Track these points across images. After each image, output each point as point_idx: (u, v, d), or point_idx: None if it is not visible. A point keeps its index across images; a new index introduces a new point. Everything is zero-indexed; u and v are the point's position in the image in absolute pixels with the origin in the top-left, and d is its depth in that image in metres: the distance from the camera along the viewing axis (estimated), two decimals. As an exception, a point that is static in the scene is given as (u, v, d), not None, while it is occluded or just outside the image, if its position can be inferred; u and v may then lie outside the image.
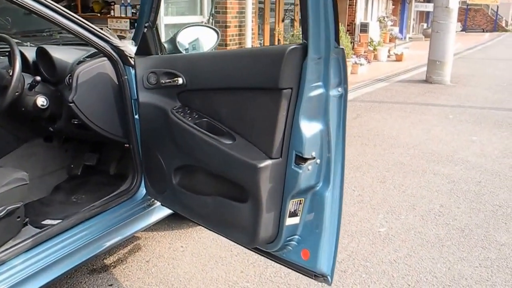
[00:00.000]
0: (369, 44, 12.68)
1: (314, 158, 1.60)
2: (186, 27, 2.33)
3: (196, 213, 2.01)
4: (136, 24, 2.08)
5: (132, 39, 2.18)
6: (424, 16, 22.33)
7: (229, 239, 1.95)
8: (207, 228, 2.03)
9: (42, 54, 2.39)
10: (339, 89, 1.55)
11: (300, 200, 1.70)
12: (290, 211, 1.71)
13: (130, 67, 2.30)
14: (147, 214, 2.50)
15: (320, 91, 1.56)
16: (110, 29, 7.39)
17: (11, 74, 2.16)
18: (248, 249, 1.98)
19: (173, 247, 2.81)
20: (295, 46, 1.52)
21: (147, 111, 2.06)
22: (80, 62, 2.35)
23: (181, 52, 2.27)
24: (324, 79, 1.54)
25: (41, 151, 2.82)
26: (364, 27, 12.84)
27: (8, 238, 2.08)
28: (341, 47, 1.50)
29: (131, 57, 2.28)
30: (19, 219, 2.09)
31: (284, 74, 1.52)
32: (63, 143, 2.95)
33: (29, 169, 2.73)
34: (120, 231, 2.35)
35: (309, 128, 1.58)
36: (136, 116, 2.33)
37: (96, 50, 2.44)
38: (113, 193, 2.54)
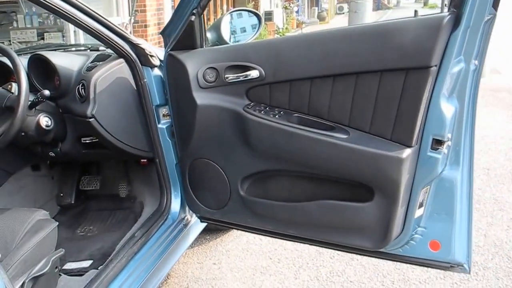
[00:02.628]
0: (276, 31, 12.78)
1: (448, 140, 1.45)
2: (227, 14, 2.02)
3: (286, 222, 1.74)
4: (175, 12, 1.74)
5: (161, 33, 1.83)
6: (313, 1, 23.14)
7: (339, 247, 1.71)
8: (300, 238, 1.77)
9: (36, 63, 1.94)
10: (476, 62, 1.42)
11: (427, 188, 1.54)
12: (419, 202, 1.54)
13: (150, 68, 1.95)
14: (186, 234, 2.17)
15: (461, 66, 1.41)
16: (14, 42, 6.60)
17: (12, 91, 1.72)
18: (342, 250, 1.76)
19: (206, 266, 2.50)
20: (446, 15, 1.34)
21: (206, 114, 1.74)
22: (90, 68, 1.94)
23: (226, 43, 1.96)
24: (467, 52, 1.39)
25: (29, 182, 2.34)
26: (269, 15, 12.91)
27: None
28: (496, 13, 1.36)
29: (151, 56, 1.93)
30: (57, 269, 1.68)
31: (436, 49, 1.34)
32: (50, 168, 2.48)
33: (20, 206, 2.26)
34: (170, 258, 2.01)
35: (447, 108, 1.42)
36: (159, 125, 2.00)
37: (99, 53, 2.06)
38: (140, 218, 2.18)
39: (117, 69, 1.93)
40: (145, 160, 2.23)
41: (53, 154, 2.09)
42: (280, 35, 12.80)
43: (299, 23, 14.99)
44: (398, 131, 1.44)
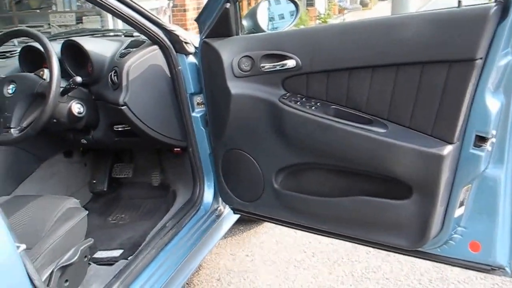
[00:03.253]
0: (317, 17, 12.46)
1: (493, 137, 1.34)
2: (263, 1, 1.93)
3: (320, 218, 1.66)
4: (209, 1, 1.66)
5: (196, 19, 1.75)
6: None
7: (374, 244, 1.63)
8: (334, 234, 1.69)
9: (69, 49, 1.90)
10: None
11: (468, 187, 1.43)
12: (459, 201, 1.44)
13: (184, 56, 1.89)
14: (219, 225, 2.12)
15: (509, 58, 1.30)
16: (53, 25, 6.68)
17: (44, 77, 1.68)
18: (375, 247, 1.67)
19: (238, 257, 2.45)
20: (493, 6, 1.23)
21: (240, 104, 1.66)
22: (123, 55, 1.89)
23: (263, 31, 1.87)
24: None
25: (62, 169, 2.33)
26: (311, 1, 12.60)
27: (78, 284, 1.64)
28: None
29: (186, 43, 1.87)
30: (86, 258, 1.66)
31: (482, 41, 1.23)
32: (83, 155, 2.46)
33: (52, 193, 2.26)
34: (201, 250, 1.97)
35: (493, 103, 1.31)
36: (193, 114, 1.94)
37: (133, 40, 2.00)
38: (172, 208, 2.14)
39: (151, 56, 1.88)
40: (179, 149, 2.18)
41: (85, 141, 2.07)
42: (322, 21, 12.50)
43: (341, 9, 14.57)
44: (439, 127, 1.34)
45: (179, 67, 1.90)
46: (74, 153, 2.39)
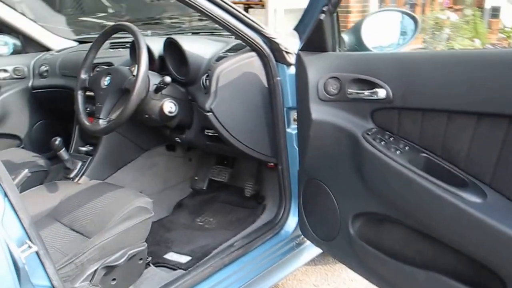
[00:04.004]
0: (501, 31, 11.02)
1: None
2: (373, 14, 1.66)
3: (390, 283, 1.38)
4: (306, 8, 1.48)
5: (295, 28, 1.58)
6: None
7: None
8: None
9: (171, 47, 1.88)
10: None
11: None
12: None
13: (285, 66, 1.72)
14: (298, 254, 1.94)
15: None
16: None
17: (134, 73, 1.67)
18: None
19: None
20: None
21: (321, 131, 1.45)
22: (219, 58, 1.81)
23: (368, 50, 1.62)
24: None
25: (163, 161, 2.36)
26: (496, 11, 11.20)
27: (128, 285, 1.62)
28: None
29: (287, 53, 1.70)
30: (141, 261, 1.62)
31: None
32: (188, 150, 2.47)
33: (149, 183, 2.30)
34: (270, 276, 1.82)
35: None
36: (288, 130, 1.76)
37: (238, 42, 1.90)
38: (253, 224, 2.01)
39: (247, 63, 1.76)
40: (273, 164, 2.05)
41: (178, 140, 2.05)
42: (506, 36, 11.03)
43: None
44: None
45: (278, 78, 1.74)
46: (177, 148, 2.41)
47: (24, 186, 1.96)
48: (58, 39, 2.69)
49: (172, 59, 1.91)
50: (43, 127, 2.68)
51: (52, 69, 2.51)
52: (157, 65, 1.98)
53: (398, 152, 1.24)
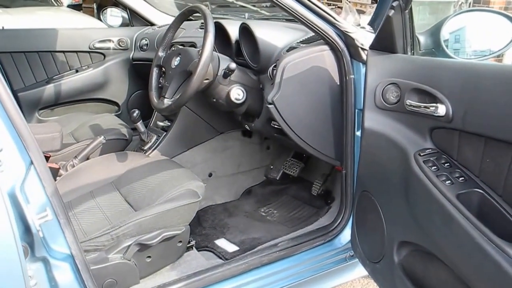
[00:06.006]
0: None
1: None
2: (459, 13, 1.42)
3: None
4: (379, 2, 1.32)
5: (369, 23, 1.42)
6: None
7: None
8: None
9: (245, 32, 1.82)
10: None
11: None
12: None
13: (361, 64, 1.56)
14: (349, 268, 1.80)
15: None
16: (349, 1, 6.74)
17: (199, 56, 1.65)
18: None
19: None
20: None
21: (374, 141, 1.30)
22: (291, 49, 1.71)
23: (448, 56, 1.40)
24: None
25: (237, 145, 2.34)
26: None
27: (164, 265, 1.63)
28: None
29: (363, 49, 1.54)
30: (180, 243, 1.63)
31: None
32: (265, 138, 2.42)
33: (221, 165, 2.30)
34: (314, 284, 1.71)
35: None
36: (358, 133, 1.61)
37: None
38: (309, 226, 1.91)
39: (317, 56, 1.63)
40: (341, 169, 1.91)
41: (248, 128, 2.01)
42: None
43: None
44: None
45: (352, 76, 1.60)
46: (254, 135, 2.37)
47: (105, 151, 2.10)
48: (162, 15, 2.79)
49: (247, 45, 1.86)
50: (140, 97, 2.83)
51: (151, 43, 2.62)
52: (233, 49, 1.94)
53: (448, 182, 1.05)
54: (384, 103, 1.25)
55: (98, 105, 2.80)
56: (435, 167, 1.09)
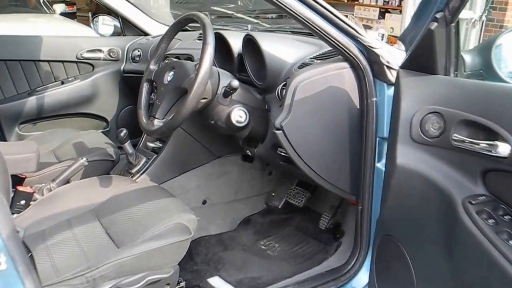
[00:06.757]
0: None
1: None
2: None
3: None
4: (415, 12, 1.10)
5: (400, 38, 1.21)
6: None
7: None
8: None
9: (249, 45, 1.60)
10: None
11: None
12: None
13: (385, 84, 1.35)
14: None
15: None
16: (356, 16, 6.64)
17: (196, 71, 1.42)
18: None
19: None
20: None
21: (407, 181, 1.08)
22: (303, 65, 1.49)
23: (502, 80, 1.18)
24: None
25: (235, 170, 2.11)
26: None
27: None
28: None
29: (389, 68, 1.32)
30: (168, 286, 1.38)
31: None
32: (267, 164, 2.19)
33: (216, 191, 2.07)
34: None
35: None
36: (378, 165, 1.39)
37: (331, 49, 1.56)
38: (318, 266, 1.68)
39: (335, 75, 1.41)
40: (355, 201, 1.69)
41: (249, 153, 1.78)
42: None
43: None
44: None
45: (374, 99, 1.38)
46: (255, 159, 2.14)
47: (88, 172, 1.86)
48: (157, 24, 2.58)
49: (252, 60, 1.64)
50: (130, 113, 2.60)
51: (144, 54, 2.41)
52: (236, 64, 1.72)
53: (507, 237, 0.82)
54: (423, 136, 1.03)
55: (85, 120, 2.57)
56: (493, 220, 0.87)
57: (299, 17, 1.25)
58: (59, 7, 5.92)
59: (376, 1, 6.91)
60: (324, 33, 1.29)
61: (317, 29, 1.28)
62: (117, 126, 2.59)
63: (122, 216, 1.46)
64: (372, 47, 1.33)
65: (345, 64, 1.40)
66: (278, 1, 1.21)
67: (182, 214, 1.43)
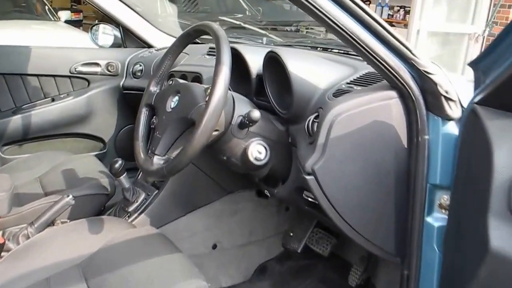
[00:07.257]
0: None
1: None
2: None
3: None
4: (500, 33, 0.80)
5: (471, 63, 0.91)
6: None
7: None
8: None
9: (272, 63, 1.30)
10: None
11: None
12: None
13: (440, 119, 1.04)
14: None
15: None
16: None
17: (207, 99, 1.11)
18: None
19: None
20: None
21: (504, 270, 0.76)
22: (339, 92, 1.18)
23: None
24: None
25: (250, 208, 1.81)
26: None
27: None
28: None
29: (448, 99, 1.02)
30: None
31: None
32: None
33: (228, 233, 1.77)
34: None
35: None
36: (428, 219, 1.09)
37: (373, 70, 1.26)
38: None
39: (380, 106, 1.11)
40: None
41: (268, 194, 1.47)
42: None
43: None
44: None
45: (426, 137, 1.07)
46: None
47: (77, 209, 1.57)
48: (163, 36, 2.29)
49: (274, 81, 1.33)
50: (130, 133, 2.31)
51: (147, 69, 2.12)
52: (254, 86, 1.42)
53: None
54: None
55: (79, 141, 2.29)
56: None
57: (341, 30, 0.95)
58: (64, 14, 5.69)
59: (381, 15, 6.61)
60: (370, 51, 0.99)
61: (361, 45, 0.98)
62: (115, 147, 2.31)
63: (115, 278, 1.17)
64: (428, 73, 1.03)
65: (393, 94, 1.10)
66: (319, 10, 0.91)
67: (191, 281, 1.13)
